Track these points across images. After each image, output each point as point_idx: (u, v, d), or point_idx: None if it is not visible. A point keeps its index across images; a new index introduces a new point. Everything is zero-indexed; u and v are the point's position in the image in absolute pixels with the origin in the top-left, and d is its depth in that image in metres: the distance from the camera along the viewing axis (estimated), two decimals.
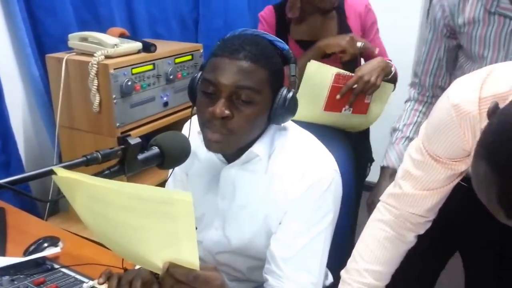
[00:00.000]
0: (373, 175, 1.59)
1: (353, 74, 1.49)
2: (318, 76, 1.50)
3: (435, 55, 1.41)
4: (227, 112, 0.97)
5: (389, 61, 1.61)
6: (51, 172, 0.71)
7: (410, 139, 1.41)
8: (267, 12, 1.70)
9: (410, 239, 1.10)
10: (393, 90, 1.63)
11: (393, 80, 1.63)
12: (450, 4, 1.30)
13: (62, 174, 0.71)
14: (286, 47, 1.08)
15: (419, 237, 1.17)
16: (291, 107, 1.04)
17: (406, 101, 1.48)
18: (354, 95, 1.50)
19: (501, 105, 0.68)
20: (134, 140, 0.82)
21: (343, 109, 1.53)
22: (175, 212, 0.70)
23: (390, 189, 1.11)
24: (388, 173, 1.43)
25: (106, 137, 1.57)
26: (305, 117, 1.58)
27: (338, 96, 1.48)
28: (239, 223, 1.13)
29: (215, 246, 1.17)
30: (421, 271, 1.44)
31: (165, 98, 1.73)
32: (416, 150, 1.03)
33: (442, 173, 1.00)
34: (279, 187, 1.07)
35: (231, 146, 1.04)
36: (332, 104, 1.52)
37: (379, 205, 1.13)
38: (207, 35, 2.27)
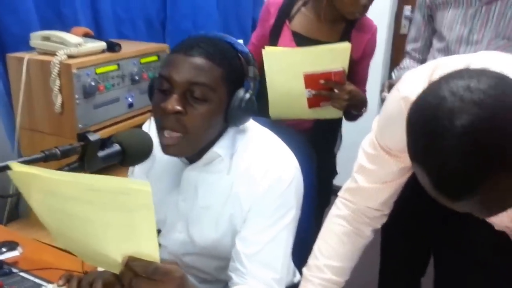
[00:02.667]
0: (340, 179, 1.65)
1: (321, 71, 1.54)
2: (280, 61, 1.57)
3: (422, 35, 1.65)
4: (178, 107, 0.99)
5: (364, 94, 1.71)
6: (7, 167, 0.73)
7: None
8: None
9: (368, 234, 1.16)
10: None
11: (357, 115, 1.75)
12: None
13: (17, 169, 0.73)
14: (246, 50, 1.12)
15: (396, 242, 1.25)
16: (248, 108, 1.06)
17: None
18: (327, 94, 1.58)
19: None
20: (94, 137, 0.84)
21: (321, 103, 1.63)
22: (133, 203, 0.72)
23: (347, 184, 1.17)
24: None
25: (68, 139, 1.57)
26: (293, 114, 1.66)
27: (322, 81, 1.56)
28: (203, 225, 1.16)
29: (180, 249, 1.19)
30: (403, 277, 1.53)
31: (130, 99, 1.74)
32: (370, 144, 1.09)
33: (394, 166, 1.06)
34: (242, 186, 1.11)
35: (188, 148, 1.06)
36: (313, 102, 1.62)
37: (336, 200, 1.19)
38: (175, 36, 2.28)
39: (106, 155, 0.88)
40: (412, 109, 0.74)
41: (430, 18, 1.61)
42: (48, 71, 1.49)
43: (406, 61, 1.74)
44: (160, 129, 1.04)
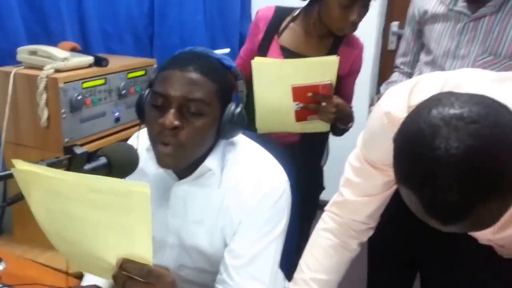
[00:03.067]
0: (328, 194, 1.67)
1: (309, 84, 1.57)
2: (268, 73, 1.60)
3: (411, 50, 1.71)
4: (176, 122, 1.02)
5: (352, 111, 1.75)
6: (10, 176, 0.76)
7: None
8: (265, 9, 1.77)
9: (354, 247, 1.18)
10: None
11: (343, 130, 1.77)
12: None
13: (20, 167, 0.75)
14: (234, 65, 1.15)
15: (382, 257, 1.27)
16: (239, 122, 1.10)
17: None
18: (315, 107, 1.61)
19: None
20: (80, 150, 0.85)
21: (309, 117, 1.66)
22: (132, 204, 0.75)
23: (334, 198, 1.19)
24: None
25: (54, 154, 1.55)
26: (280, 128, 1.68)
27: (309, 94, 1.59)
28: (197, 240, 1.17)
29: (175, 264, 1.20)
30: None
31: (116, 114, 1.75)
32: (355, 157, 1.11)
33: (380, 179, 1.09)
34: (232, 199, 1.12)
35: (183, 160, 1.08)
36: (300, 115, 1.64)
37: (323, 214, 1.21)
38: (163, 51, 2.31)
39: (92, 168, 0.89)
40: (402, 134, 0.76)
41: (419, 33, 1.65)
42: (35, 85, 1.49)
43: (395, 75, 1.79)
44: (156, 143, 1.06)
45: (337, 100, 1.60)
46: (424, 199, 0.72)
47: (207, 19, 2.50)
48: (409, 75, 1.72)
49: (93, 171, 0.89)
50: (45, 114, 1.51)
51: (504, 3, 1.39)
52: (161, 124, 1.02)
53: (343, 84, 1.72)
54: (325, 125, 1.69)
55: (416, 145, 0.72)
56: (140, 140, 1.15)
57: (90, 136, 1.66)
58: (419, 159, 0.71)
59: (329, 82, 1.57)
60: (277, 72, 1.59)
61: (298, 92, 1.59)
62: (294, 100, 1.61)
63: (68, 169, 0.85)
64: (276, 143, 1.46)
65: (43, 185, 0.80)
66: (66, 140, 1.55)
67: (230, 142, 1.17)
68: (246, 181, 1.12)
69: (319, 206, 1.66)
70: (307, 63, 1.57)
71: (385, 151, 1.02)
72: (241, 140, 1.20)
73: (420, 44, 1.67)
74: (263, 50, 1.74)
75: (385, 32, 3.00)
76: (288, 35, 1.74)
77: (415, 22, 1.64)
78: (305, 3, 1.71)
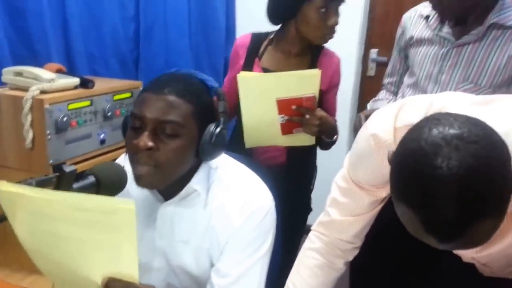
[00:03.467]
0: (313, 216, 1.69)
1: (293, 97, 1.62)
2: (253, 87, 1.64)
3: (397, 71, 1.78)
4: (150, 144, 1.04)
5: (335, 123, 1.81)
6: None
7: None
8: (242, 37, 1.87)
9: (340, 266, 1.20)
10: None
11: (329, 143, 1.82)
12: (405, 17, 1.67)
13: (5, 188, 0.76)
14: (216, 85, 1.18)
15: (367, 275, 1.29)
16: (218, 143, 1.11)
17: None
18: (299, 119, 1.66)
19: None
20: (69, 168, 0.87)
21: (294, 130, 1.71)
22: (117, 221, 0.76)
23: (320, 218, 1.21)
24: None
25: (37, 176, 1.56)
26: (268, 141, 1.71)
27: (293, 107, 1.64)
28: (184, 260, 1.18)
29: (162, 283, 1.21)
30: None
31: (102, 136, 1.76)
32: (342, 178, 1.14)
33: (366, 199, 1.12)
34: (218, 219, 1.14)
35: (160, 181, 1.10)
36: (286, 128, 1.69)
37: (310, 234, 1.23)
38: (148, 74, 2.33)
39: (80, 186, 0.90)
40: (402, 152, 0.78)
41: (405, 56, 1.71)
42: (20, 106, 1.50)
43: (382, 93, 1.86)
44: (133, 163, 1.08)
45: (320, 112, 1.65)
46: (423, 217, 0.74)
47: (192, 42, 2.54)
48: (395, 94, 1.78)
49: (82, 189, 0.90)
50: (30, 136, 1.51)
51: (486, 33, 1.43)
52: (135, 145, 1.04)
53: (326, 98, 1.78)
54: (311, 138, 1.74)
55: (416, 163, 0.74)
56: (127, 161, 1.17)
57: (75, 157, 1.65)
58: (420, 177, 0.73)
59: (312, 95, 1.62)
60: (262, 85, 1.64)
61: (283, 105, 1.64)
62: (279, 113, 1.65)
63: (57, 187, 0.86)
64: (261, 166, 1.49)
65: (28, 206, 0.80)
66: (51, 161, 1.54)
67: (215, 162, 1.19)
68: (231, 201, 1.14)
69: (306, 230, 1.68)
70: (290, 76, 1.62)
71: (372, 172, 1.06)
72: (226, 160, 1.22)
73: (406, 66, 1.73)
74: (245, 71, 1.81)
75: (364, 59, 3.07)
76: (268, 57, 1.81)
77: (402, 45, 1.71)
78: (278, 26, 1.79)
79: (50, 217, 0.79)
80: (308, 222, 1.95)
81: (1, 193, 0.78)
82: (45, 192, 0.78)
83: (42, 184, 0.82)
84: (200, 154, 1.11)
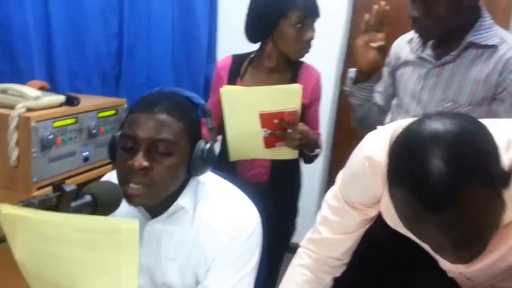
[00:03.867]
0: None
1: (276, 111, 1.66)
2: (237, 100, 1.68)
3: (386, 86, 1.78)
4: (145, 163, 1.06)
5: (319, 137, 1.85)
6: None
7: None
8: (223, 60, 1.94)
9: (327, 281, 1.24)
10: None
11: (312, 156, 1.87)
12: (395, 45, 1.73)
13: (6, 211, 0.76)
14: (202, 102, 1.21)
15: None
16: (209, 158, 1.14)
17: None
18: (281, 133, 1.70)
19: None
20: (69, 187, 0.87)
21: (277, 143, 1.75)
22: (120, 241, 0.77)
23: (309, 235, 1.25)
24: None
25: (21, 194, 1.56)
26: (251, 155, 1.74)
27: (276, 121, 1.68)
28: (169, 277, 1.19)
29: None
30: None
31: (86, 153, 1.76)
32: (333, 196, 1.18)
33: (357, 218, 1.16)
34: (206, 236, 1.16)
35: (153, 198, 1.11)
36: (268, 141, 1.73)
37: (299, 250, 1.26)
38: (129, 90, 2.34)
39: (78, 205, 0.91)
40: (396, 140, 0.86)
41: (393, 81, 1.76)
42: (5, 124, 1.50)
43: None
44: (125, 183, 1.08)
45: (302, 127, 1.70)
46: (417, 189, 0.80)
47: (175, 59, 2.57)
48: (383, 108, 1.80)
49: (80, 208, 0.91)
50: (15, 154, 1.51)
51: (465, 53, 1.49)
52: (130, 166, 1.06)
53: (308, 112, 1.83)
54: (293, 152, 1.78)
55: (410, 144, 0.83)
56: (113, 178, 1.18)
57: (59, 175, 1.66)
58: (412, 151, 0.81)
59: (294, 109, 1.67)
60: (245, 99, 1.68)
61: (266, 119, 1.68)
62: (262, 126, 1.69)
63: (57, 206, 0.86)
64: (245, 183, 1.52)
65: (30, 228, 0.80)
66: (35, 179, 1.54)
67: (202, 179, 1.21)
68: (218, 218, 1.16)
69: (289, 249, 1.70)
70: (272, 90, 1.67)
71: (365, 192, 1.10)
72: (212, 177, 1.24)
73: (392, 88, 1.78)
74: None
75: (343, 76, 3.14)
76: (250, 77, 1.86)
77: (391, 67, 1.76)
78: (258, 45, 1.85)
79: (52, 239, 0.80)
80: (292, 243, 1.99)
81: (3, 215, 0.78)
82: (47, 214, 0.78)
83: (43, 203, 0.83)
84: (192, 170, 1.14)
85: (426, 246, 0.99)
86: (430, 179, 0.78)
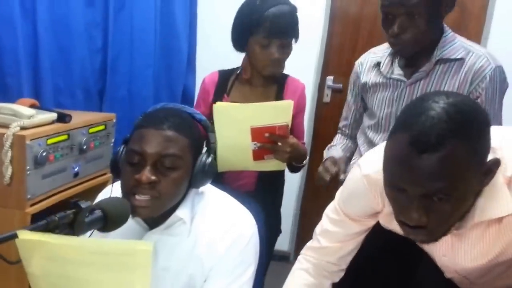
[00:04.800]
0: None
1: (267, 125, 1.74)
2: (229, 115, 1.75)
3: (351, 114, 1.88)
4: (153, 177, 1.12)
5: (304, 146, 1.94)
6: (15, 236, 0.81)
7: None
8: (210, 75, 2.00)
9: (327, 286, 1.32)
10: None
11: (298, 167, 1.95)
12: (358, 64, 1.78)
13: (24, 237, 0.81)
14: (203, 118, 1.28)
15: None
16: (210, 171, 1.21)
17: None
18: (271, 146, 1.77)
19: None
20: (84, 204, 0.94)
21: (265, 156, 1.82)
22: (134, 262, 0.83)
23: (309, 244, 1.33)
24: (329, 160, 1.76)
25: (14, 210, 1.59)
26: (239, 166, 1.82)
27: (266, 135, 1.75)
28: (161, 286, 1.23)
29: None
30: None
31: (76, 168, 1.81)
32: (333, 211, 1.28)
33: (356, 228, 1.26)
34: (203, 247, 1.21)
35: (158, 210, 1.17)
36: (257, 154, 1.79)
37: (299, 257, 1.35)
38: (112, 104, 2.38)
39: (91, 220, 0.98)
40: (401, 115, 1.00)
41: (361, 99, 1.85)
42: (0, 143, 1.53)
43: (337, 137, 1.99)
44: (131, 195, 1.14)
45: (292, 140, 1.78)
46: (412, 128, 0.91)
47: (155, 72, 2.62)
48: (350, 137, 1.93)
49: (92, 223, 0.98)
50: (9, 172, 1.54)
51: (435, 68, 1.58)
52: (137, 180, 1.12)
53: (294, 123, 1.91)
54: (281, 164, 1.86)
55: (417, 99, 0.98)
56: (114, 191, 1.23)
57: (50, 191, 1.70)
58: (419, 101, 0.96)
59: (285, 123, 1.75)
60: (237, 115, 1.75)
61: (256, 133, 1.75)
62: (252, 140, 1.77)
63: (73, 222, 0.93)
64: (233, 191, 1.59)
65: (46, 252, 0.85)
66: (28, 196, 1.58)
67: (199, 191, 1.27)
68: (215, 228, 1.22)
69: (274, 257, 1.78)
70: (264, 106, 1.76)
71: (364, 207, 1.20)
72: (208, 189, 1.31)
73: (361, 109, 1.87)
74: None
75: (320, 86, 3.23)
76: (236, 92, 1.95)
77: (357, 89, 1.85)
78: (243, 55, 1.93)
79: (68, 262, 0.85)
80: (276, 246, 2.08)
81: (20, 241, 0.82)
82: (63, 238, 0.83)
83: (63, 219, 0.89)
84: (193, 182, 1.21)
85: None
86: (428, 121, 0.89)
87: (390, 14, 1.51)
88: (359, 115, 1.88)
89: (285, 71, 1.97)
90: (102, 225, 1.01)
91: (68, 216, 0.91)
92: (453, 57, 1.55)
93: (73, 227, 0.93)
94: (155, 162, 1.14)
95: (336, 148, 1.87)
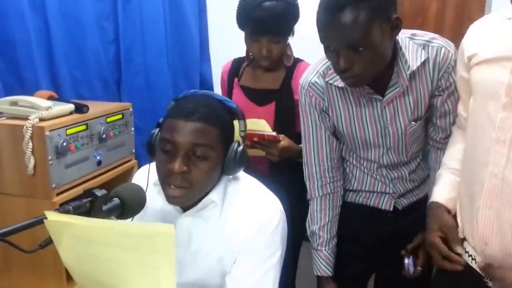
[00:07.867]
0: None
1: (260, 132, 1.68)
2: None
3: (324, 139, 1.51)
4: (184, 168, 1.08)
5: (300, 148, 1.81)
6: (43, 218, 0.79)
7: (331, 239, 1.54)
8: (226, 64, 2.01)
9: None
10: None
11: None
12: (319, 88, 1.46)
13: (52, 218, 0.78)
14: (234, 105, 1.22)
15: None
16: (241, 159, 1.16)
17: (310, 200, 1.58)
18: (261, 147, 1.70)
19: None
20: (100, 192, 0.88)
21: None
22: (157, 245, 0.79)
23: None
24: (323, 280, 1.56)
25: (41, 200, 1.55)
26: None
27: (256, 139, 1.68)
28: (195, 268, 1.20)
29: None
30: None
31: (98, 157, 1.75)
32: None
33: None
34: (232, 229, 1.17)
35: (191, 199, 1.15)
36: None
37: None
38: (130, 94, 2.32)
39: (109, 208, 0.92)
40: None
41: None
42: (19, 135, 1.48)
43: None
44: (165, 184, 1.11)
45: (282, 144, 1.69)
46: None
47: (170, 62, 2.55)
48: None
49: (110, 211, 0.92)
50: (31, 162, 1.50)
51: (411, 82, 1.36)
52: (170, 169, 1.08)
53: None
54: None
55: None
56: (150, 173, 1.20)
57: (75, 180, 1.65)
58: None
59: (274, 133, 1.69)
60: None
61: (248, 136, 1.65)
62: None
63: (90, 210, 0.87)
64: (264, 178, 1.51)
65: (73, 232, 0.82)
66: (53, 186, 1.54)
67: (232, 176, 1.23)
68: (245, 211, 1.18)
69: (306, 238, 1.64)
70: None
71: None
72: (241, 175, 1.26)
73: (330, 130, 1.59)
74: (229, 93, 1.92)
75: None
76: (246, 77, 1.90)
77: (316, 107, 1.52)
78: None
79: (94, 242, 0.82)
80: None
81: (48, 222, 0.79)
82: (90, 220, 0.81)
83: (78, 208, 0.83)
84: (225, 170, 1.17)
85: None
86: None
87: (332, 46, 1.25)
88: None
89: (301, 56, 1.88)
90: (120, 213, 0.96)
91: (84, 204, 0.85)
92: (417, 65, 1.33)
93: (90, 216, 0.88)
94: (186, 152, 1.10)
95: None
